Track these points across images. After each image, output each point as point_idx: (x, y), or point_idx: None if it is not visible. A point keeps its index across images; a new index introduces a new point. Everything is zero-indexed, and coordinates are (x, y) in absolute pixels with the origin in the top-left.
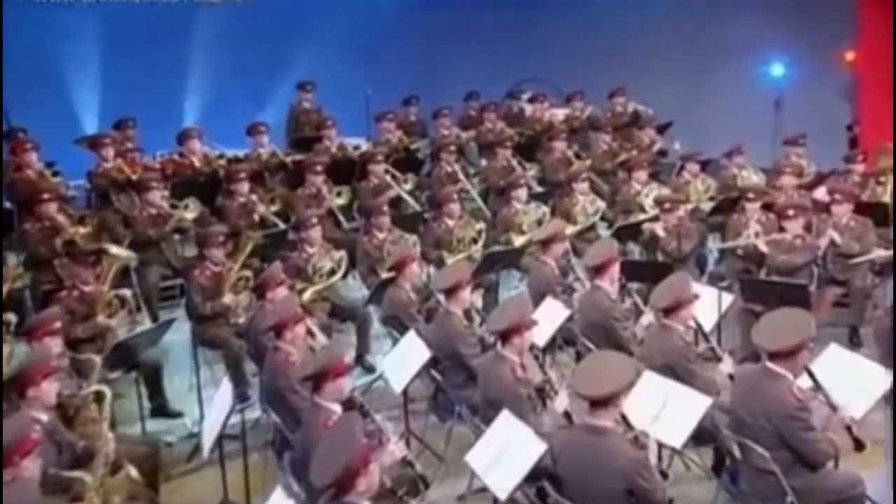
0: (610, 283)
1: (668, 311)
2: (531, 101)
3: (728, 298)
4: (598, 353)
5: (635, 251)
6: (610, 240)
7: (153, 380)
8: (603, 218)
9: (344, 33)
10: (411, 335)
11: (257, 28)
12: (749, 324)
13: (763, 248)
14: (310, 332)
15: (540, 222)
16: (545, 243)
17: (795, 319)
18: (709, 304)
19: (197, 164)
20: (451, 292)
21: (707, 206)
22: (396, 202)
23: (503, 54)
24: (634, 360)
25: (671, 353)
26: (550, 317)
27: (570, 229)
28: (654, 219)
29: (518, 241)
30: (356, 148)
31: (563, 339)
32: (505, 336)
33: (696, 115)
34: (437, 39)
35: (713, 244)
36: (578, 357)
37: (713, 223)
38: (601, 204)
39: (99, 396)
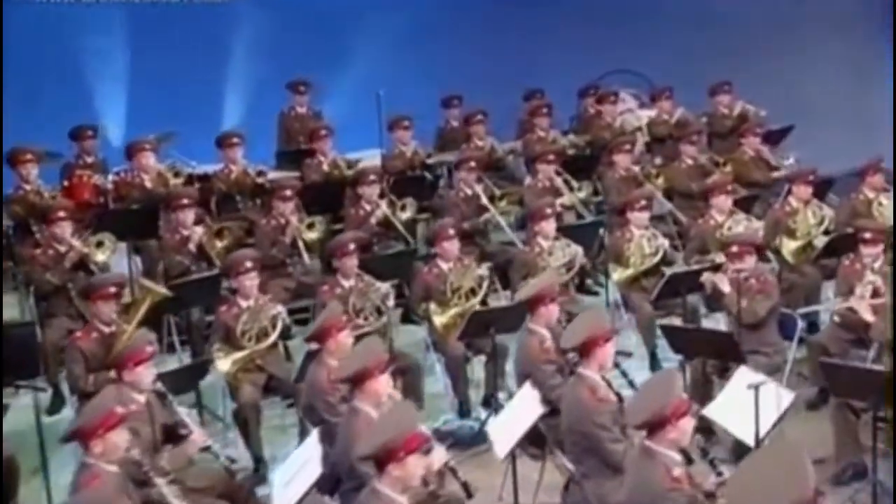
0: (598, 371)
1: (582, 353)
2: (599, 100)
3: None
4: None
5: (700, 311)
6: (595, 311)
7: None
8: (665, 261)
9: (402, 25)
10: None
11: (303, 22)
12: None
13: (866, 314)
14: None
15: (570, 267)
16: (531, 305)
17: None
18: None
19: (149, 184)
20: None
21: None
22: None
23: (583, 42)
24: None
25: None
26: (520, 414)
27: (620, 274)
28: (718, 267)
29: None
30: (350, 166)
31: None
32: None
33: (815, 121)
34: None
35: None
36: None
37: (829, 268)
38: (662, 241)
39: None
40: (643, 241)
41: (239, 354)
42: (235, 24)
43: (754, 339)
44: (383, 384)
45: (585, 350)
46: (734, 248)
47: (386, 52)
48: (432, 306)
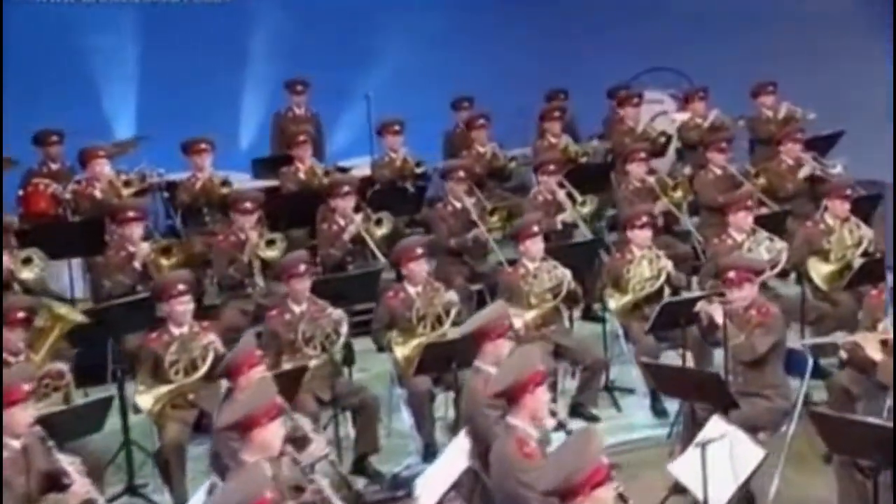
0: (529, 422)
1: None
2: (620, 102)
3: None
4: None
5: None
6: (529, 349)
7: None
8: (671, 286)
9: (431, 21)
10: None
11: (323, 21)
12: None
13: (873, 352)
14: None
15: (556, 293)
16: (476, 340)
17: None
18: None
19: (99, 195)
20: None
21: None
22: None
23: (621, 39)
24: None
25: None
26: (448, 467)
27: (618, 301)
28: (716, 296)
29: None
30: (328, 174)
31: None
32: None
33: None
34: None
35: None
36: None
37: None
38: (665, 263)
39: None
40: (643, 263)
41: (164, 389)
42: (253, 22)
43: (754, 379)
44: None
45: (513, 396)
46: (731, 275)
47: (409, 53)
48: (394, 335)
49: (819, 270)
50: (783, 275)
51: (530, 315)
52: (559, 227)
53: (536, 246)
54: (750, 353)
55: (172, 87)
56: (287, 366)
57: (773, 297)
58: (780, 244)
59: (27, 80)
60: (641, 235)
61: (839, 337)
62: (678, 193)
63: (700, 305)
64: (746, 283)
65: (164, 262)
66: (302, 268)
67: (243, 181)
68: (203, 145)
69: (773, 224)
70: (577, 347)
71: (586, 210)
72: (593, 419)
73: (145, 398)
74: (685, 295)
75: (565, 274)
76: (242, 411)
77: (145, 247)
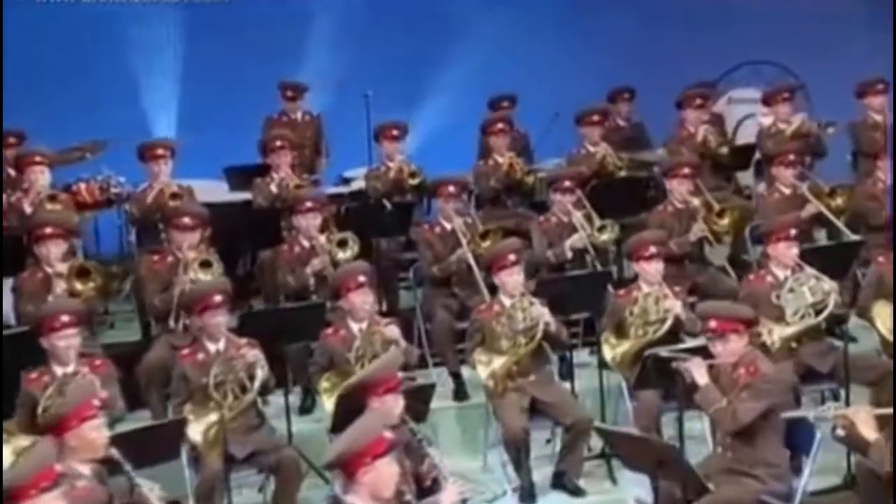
0: (370, 501)
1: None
2: (680, 104)
3: None
4: None
5: None
6: (370, 418)
7: None
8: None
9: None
10: None
11: (389, 13)
12: None
13: (865, 429)
14: None
15: (531, 335)
16: (360, 396)
17: None
18: None
19: (28, 208)
20: None
21: None
22: None
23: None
24: None
25: None
26: None
27: (613, 349)
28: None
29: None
30: (299, 186)
31: None
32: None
33: None
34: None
35: None
36: None
37: None
38: (673, 304)
39: None
40: (649, 303)
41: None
42: (310, 16)
43: (746, 455)
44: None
45: (347, 469)
46: (712, 324)
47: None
48: (324, 383)
49: (886, 316)
50: (839, 323)
51: (498, 363)
52: (569, 255)
53: (513, 279)
54: (731, 422)
55: (217, 83)
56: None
57: (824, 350)
58: (828, 285)
59: (58, 79)
60: (650, 269)
61: (828, 409)
62: (724, 220)
63: (680, 363)
64: (732, 335)
65: (79, 286)
66: (218, 299)
67: (218, 193)
68: (160, 151)
69: (843, 258)
70: (557, 403)
71: (605, 237)
72: (578, 492)
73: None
74: (679, 345)
75: (541, 313)
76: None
77: (62, 268)
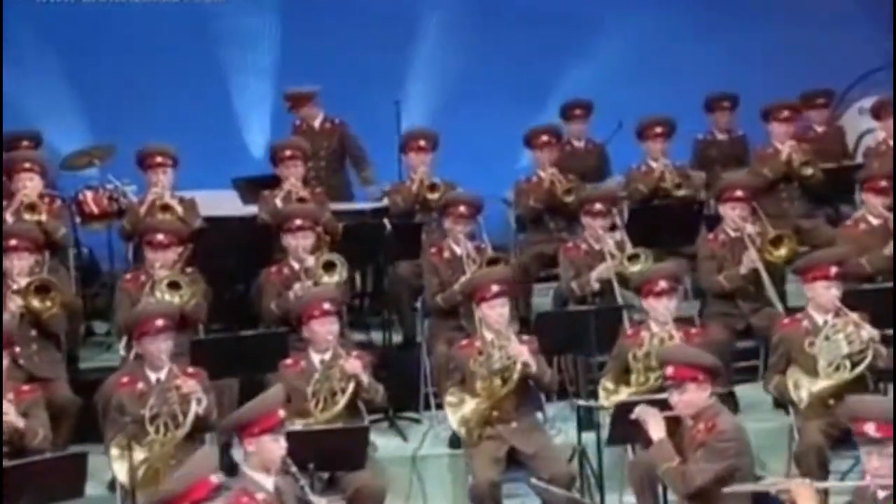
0: None
1: None
2: (765, 116)
3: None
4: None
5: None
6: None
7: None
8: None
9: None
10: None
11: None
12: None
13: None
14: None
15: (506, 377)
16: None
17: None
18: None
19: (10, 218)
20: None
21: None
22: None
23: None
24: None
25: None
26: None
27: (609, 395)
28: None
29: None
30: (301, 199)
31: None
32: None
33: None
34: None
35: None
36: None
37: None
38: None
39: None
40: (654, 346)
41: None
42: (421, 8)
43: None
44: None
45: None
46: (669, 371)
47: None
48: None
49: None
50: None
51: (469, 406)
52: (595, 286)
53: (496, 312)
54: (682, 485)
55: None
56: None
57: None
58: (867, 333)
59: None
60: (659, 305)
61: (769, 483)
62: (782, 250)
63: (638, 411)
64: (690, 385)
65: (36, 303)
66: (159, 323)
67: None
68: (158, 158)
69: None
70: (538, 454)
71: (636, 268)
72: None
73: None
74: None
75: (520, 352)
76: None
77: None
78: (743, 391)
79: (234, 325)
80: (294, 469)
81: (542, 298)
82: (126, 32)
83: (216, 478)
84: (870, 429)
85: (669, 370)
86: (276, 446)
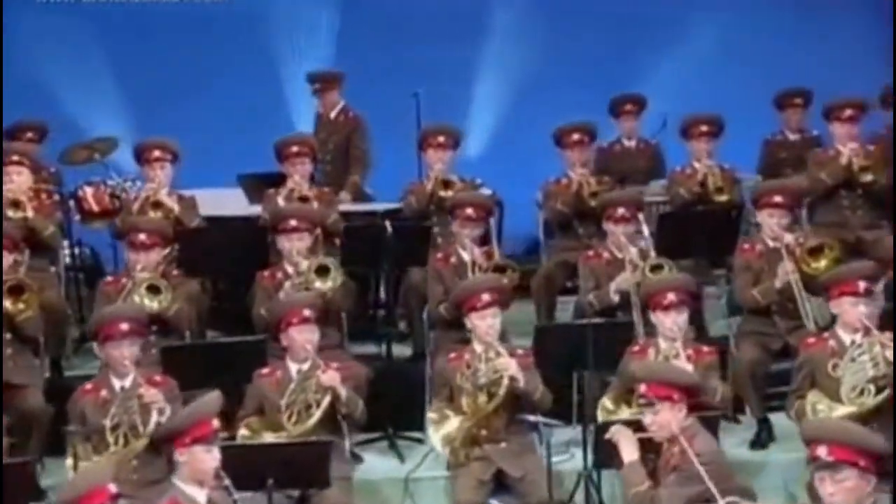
0: None
1: None
2: (826, 115)
3: None
4: None
5: None
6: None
7: None
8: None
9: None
10: None
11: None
12: None
13: None
14: None
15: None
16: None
17: None
18: None
19: None
20: None
21: None
22: None
23: None
24: None
25: None
26: None
27: (606, 416)
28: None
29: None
30: (303, 199)
31: None
32: None
33: None
34: None
35: None
36: None
37: None
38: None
39: None
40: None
41: None
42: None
43: None
44: None
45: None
46: (642, 389)
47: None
48: (242, 430)
49: None
50: None
51: (452, 425)
52: (615, 299)
53: (485, 323)
54: None
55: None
56: None
57: None
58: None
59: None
60: (667, 320)
61: None
62: (821, 262)
63: (612, 431)
64: (664, 404)
65: (8, 304)
66: (123, 328)
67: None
68: (157, 153)
69: None
70: (525, 479)
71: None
72: None
73: None
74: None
75: (506, 365)
76: None
77: None
78: (778, 419)
79: (232, 331)
80: (228, 482)
81: (563, 313)
82: (178, 24)
83: (114, 486)
84: (822, 452)
85: (642, 388)
86: (208, 457)
